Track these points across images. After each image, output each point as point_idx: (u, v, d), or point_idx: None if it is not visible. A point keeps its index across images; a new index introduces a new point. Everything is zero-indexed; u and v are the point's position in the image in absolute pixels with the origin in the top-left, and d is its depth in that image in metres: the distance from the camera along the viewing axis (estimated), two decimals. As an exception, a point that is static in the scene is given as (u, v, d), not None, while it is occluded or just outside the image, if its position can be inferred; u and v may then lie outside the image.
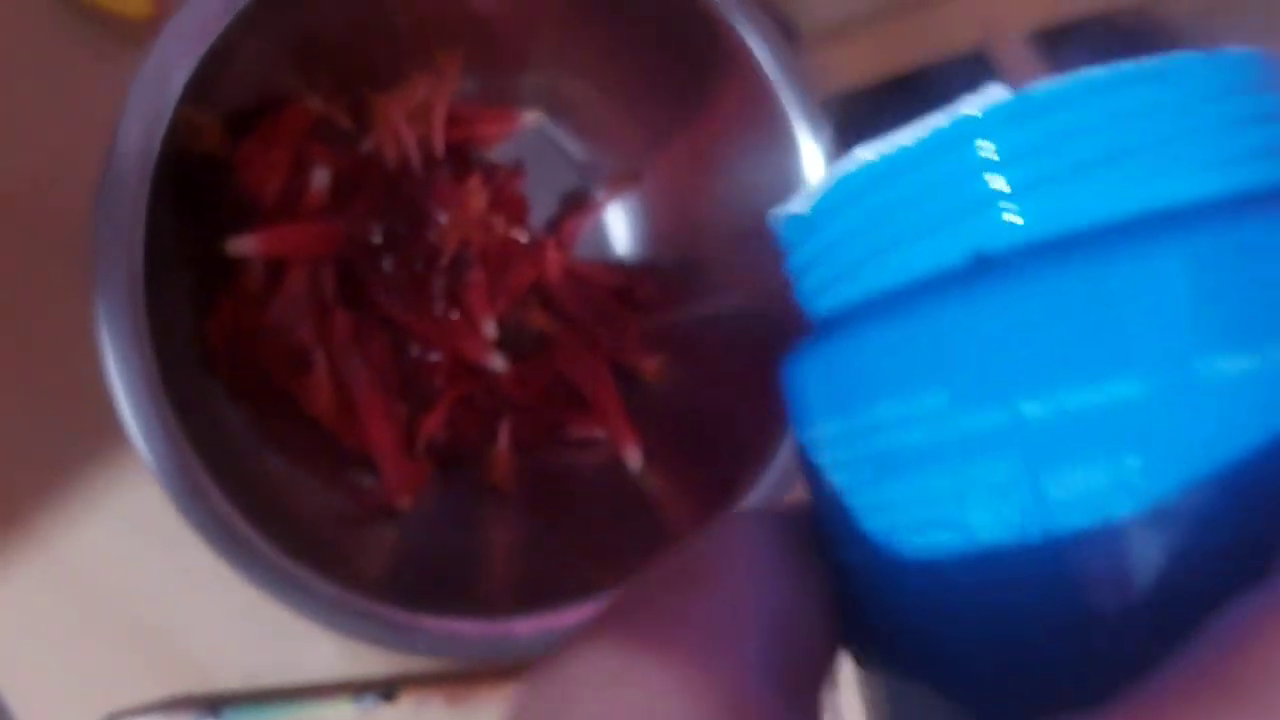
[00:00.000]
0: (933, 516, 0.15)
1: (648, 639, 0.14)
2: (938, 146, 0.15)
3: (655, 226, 0.45)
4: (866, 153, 0.15)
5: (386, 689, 0.41)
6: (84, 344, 0.31)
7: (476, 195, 0.40)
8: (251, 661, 0.41)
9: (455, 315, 0.41)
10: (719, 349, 0.43)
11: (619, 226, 0.45)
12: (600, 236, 0.45)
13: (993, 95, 0.15)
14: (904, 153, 0.15)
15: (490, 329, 0.40)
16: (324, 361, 0.38)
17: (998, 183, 0.14)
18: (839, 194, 0.16)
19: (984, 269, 0.14)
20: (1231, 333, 0.13)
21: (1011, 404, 0.14)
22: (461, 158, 0.42)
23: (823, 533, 0.17)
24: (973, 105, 0.15)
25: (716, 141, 0.41)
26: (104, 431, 0.32)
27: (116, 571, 0.40)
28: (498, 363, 0.41)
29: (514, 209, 0.42)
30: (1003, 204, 0.14)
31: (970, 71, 0.49)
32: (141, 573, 0.40)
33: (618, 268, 0.44)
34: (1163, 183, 0.14)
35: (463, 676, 0.43)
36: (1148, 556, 0.13)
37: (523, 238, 0.42)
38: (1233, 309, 0.13)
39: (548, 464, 0.43)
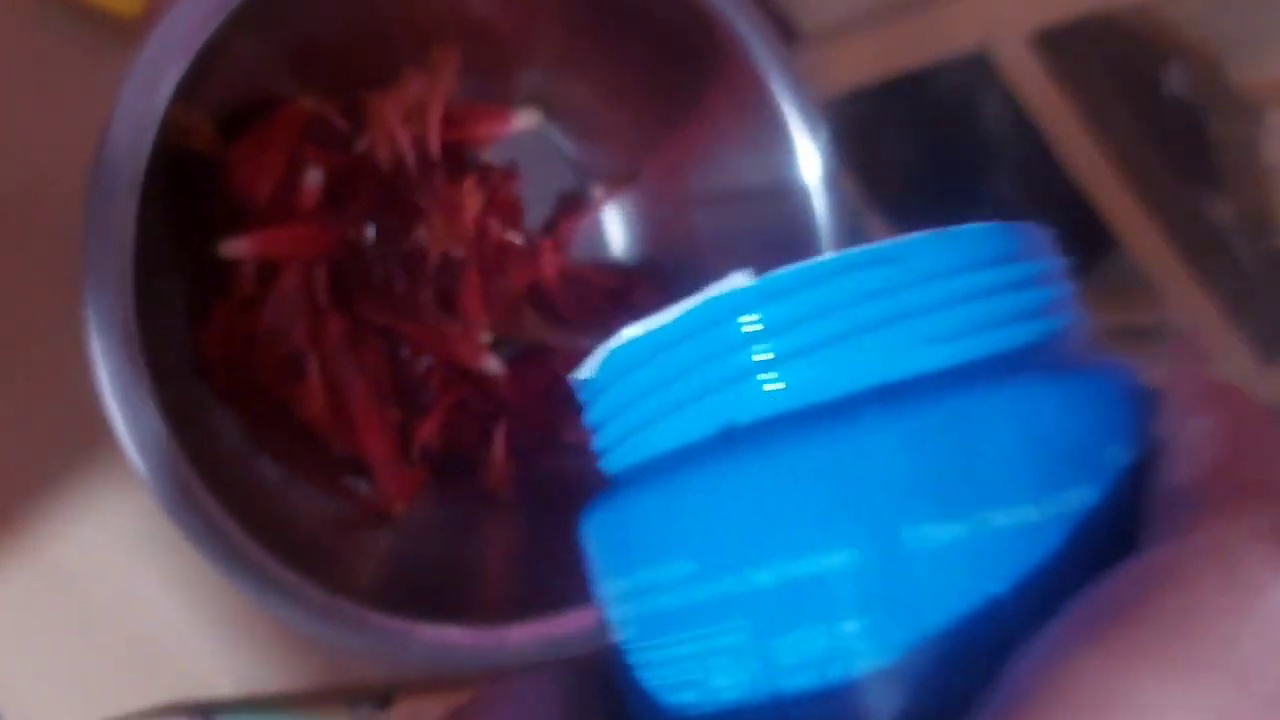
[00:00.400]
0: (682, 678, 0.16)
1: None
2: (689, 324, 0.16)
3: (652, 227, 0.44)
4: (635, 328, 0.17)
5: (381, 697, 0.41)
6: (74, 348, 0.31)
7: (471, 197, 0.40)
8: (245, 668, 0.41)
9: (450, 319, 0.40)
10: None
11: (615, 227, 0.45)
12: (596, 237, 0.45)
13: (738, 280, 0.16)
14: (663, 329, 0.16)
15: (485, 333, 0.40)
16: (317, 366, 0.38)
17: (742, 358, 0.16)
18: (614, 364, 0.17)
19: (727, 443, 0.16)
20: (941, 501, 0.14)
21: (743, 573, 0.15)
22: (456, 158, 0.41)
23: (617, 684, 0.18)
24: (720, 287, 0.16)
25: (713, 142, 0.41)
26: (96, 438, 0.32)
27: (110, 578, 0.40)
28: (493, 366, 0.40)
29: (509, 211, 0.42)
30: (746, 379, 0.16)
31: (970, 73, 0.49)
32: (135, 579, 0.40)
33: (614, 269, 0.44)
34: (885, 360, 0.15)
35: (458, 684, 0.42)
36: (866, 712, 0.14)
37: (518, 240, 0.41)
38: (941, 479, 0.14)
39: (544, 469, 0.43)
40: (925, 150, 0.51)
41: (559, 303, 0.42)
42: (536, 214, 0.44)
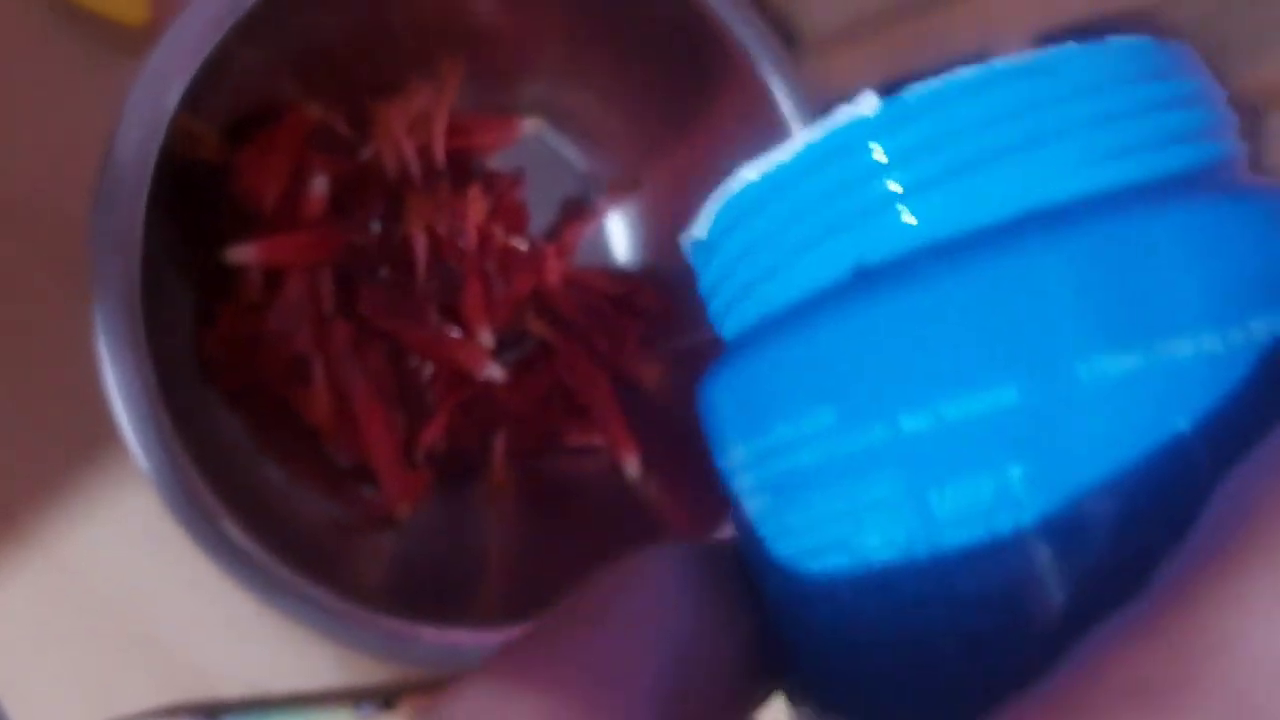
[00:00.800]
0: (828, 540, 0.14)
1: (531, 678, 0.13)
2: (811, 159, 0.15)
3: (656, 234, 0.45)
4: (750, 171, 0.15)
5: (385, 697, 0.41)
6: (82, 351, 0.31)
7: (476, 204, 0.40)
8: (251, 668, 0.41)
9: (453, 324, 0.40)
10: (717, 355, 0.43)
11: (620, 234, 0.45)
12: (601, 243, 0.45)
13: (864, 103, 0.14)
14: (782, 168, 0.15)
15: (487, 338, 0.40)
16: (322, 371, 0.38)
17: (872, 191, 0.14)
18: (729, 214, 0.16)
19: (864, 281, 0.14)
20: (1113, 331, 0.13)
21: (893, 419, 0.13)
22: (462, 166, 0.42)
23: (747, 564, 0.16)
24: (844, 114, 0.14)
25: (717, 150, 0.41)
26: (104, 439, 0.32)
27: (117, 578, 0.40)
28: (495, 372, 0.40)
29: (513, 218, 0.42)
30: (878, 213, 0.14)
31: None
32: (142, 579, 0.40)
33: (618, 275, 0.44)
34: (1040, 182, 0.14)
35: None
36: (1038, 569, 0.13)
37: (522, 246, 0.42)
38: (1113, 307, 0.13)
39: (546, 471, 0.43)
40: None
41: (562, 308, 0.42)
42: (542, 220, 0.45)
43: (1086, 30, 0.48)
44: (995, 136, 0.14)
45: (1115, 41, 0.14)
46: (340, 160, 0.39)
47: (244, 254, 0.37)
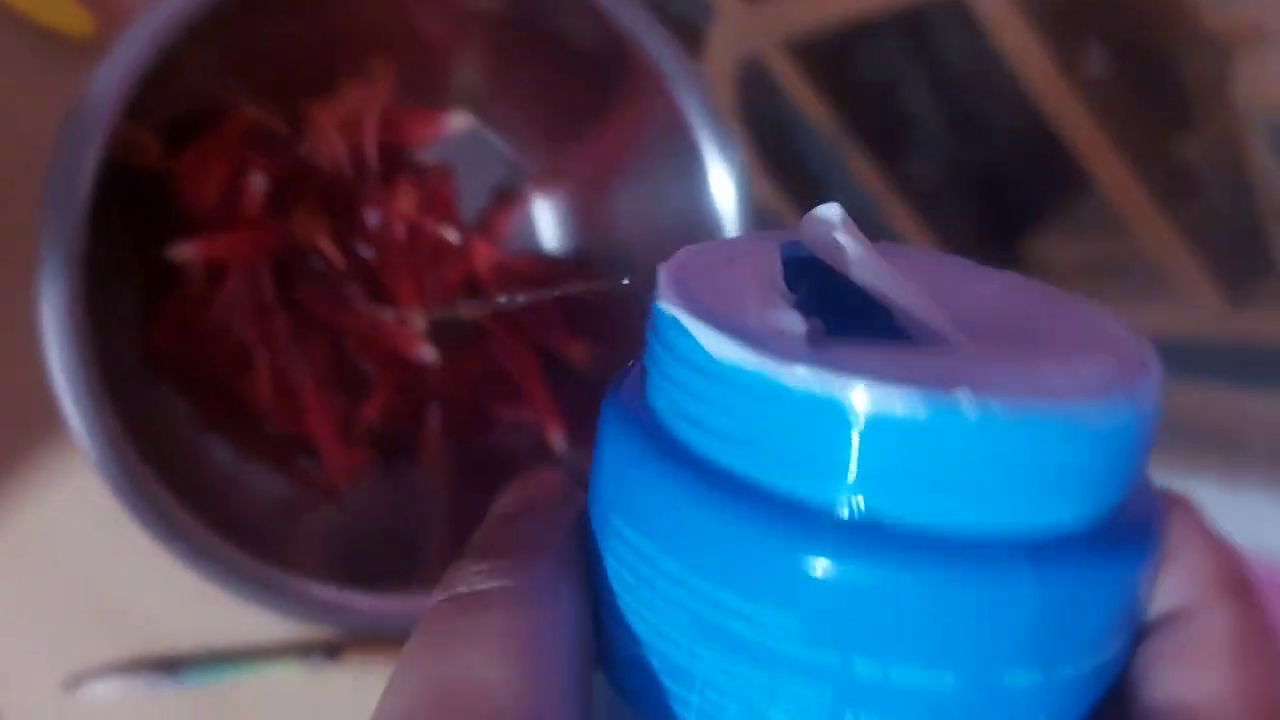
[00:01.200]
0: (737, 693, 0.17)
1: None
2: (826, 404, 0.16)
3: (579, 220, 0.47)
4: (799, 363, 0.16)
5: (330, 649, 0.45)
6: (35, 342, 0.34)
7: (406, 197, 0.43)
8: (203, 625, 0.44)
9: (387, 309, 0.43)
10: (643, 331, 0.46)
11: (546, 221, 0.48)
12: (529, 230, 0.48)
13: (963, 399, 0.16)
14: (804, 390, 0.16)
15: (419, 323, 0.43)
16: (265, 358, 0.41)
17: (898, 460, 0.16)
18: (729, 370, 0.16)
19: (862, 534, 0.16)
20: (1035, 654, 0.16)
21: (848, 656, 0.16)
22: (394, 159, 0.44)
23: (601, 603, 0.18)
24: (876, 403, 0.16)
25: (629, 141, 0.44)
26: (56, 418, 0.35)
27: (73, 545, 0.43)
28: (428, 354, 0.43)
29: (443, 208, 0.45)
30: (895, 476, 0.16)
31: (936, 18, 0.50)
32: (96, 546, 0.43)
33: (544, 259, 0.47)
34: (1021, 514, 0.16)
35: (404, 638, 0.46)
36: None
37: (452, 235, 0.44)
38: (1040, 636, 0.16)
39: (479, 446, 0.46)
40: (896, 88, 0.52)
41: (491, 292, 0.45)
42: (474, 205, 0.47)
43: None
44: (998, 468, 0.16)
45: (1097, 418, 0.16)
46: (278, 159, 0.42)
47: (186, 251, 0.39)
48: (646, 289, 0.18)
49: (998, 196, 0.53)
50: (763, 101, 0.41)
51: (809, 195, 0.50)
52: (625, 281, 0.44)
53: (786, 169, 0.45)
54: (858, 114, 0.50)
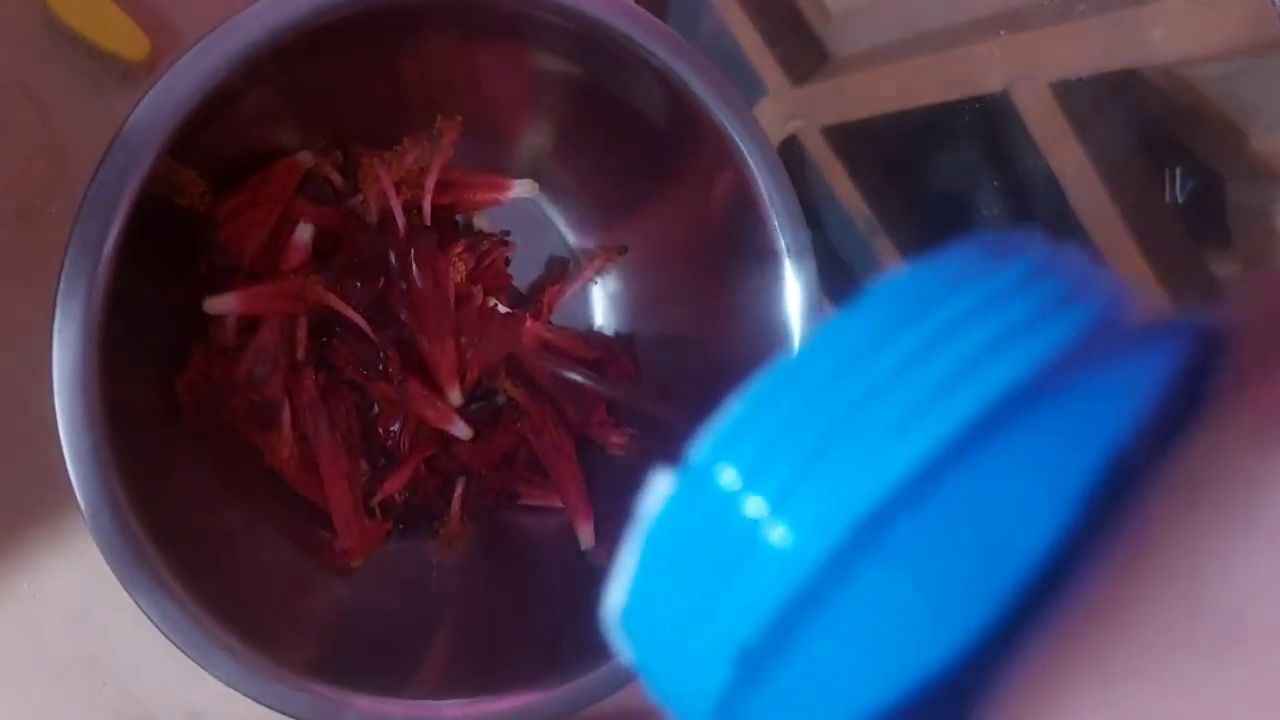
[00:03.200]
0: None
1: None
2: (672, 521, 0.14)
3: (634, 297, 0.45)
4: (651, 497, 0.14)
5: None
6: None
7: (458, 264, 0.40)
8: (196, 702, 0.42)
9: (422, 379, 0.41)
10: (690, 424, 0.43)
11: (600, 296, 0.45)
12: (580, 303, 0.45)
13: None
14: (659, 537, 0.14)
15: (456, 397, 0.41)
16: (289, 417, 0.39)
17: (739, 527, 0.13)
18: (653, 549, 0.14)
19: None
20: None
21: None
22: (449, 223, 0.42)
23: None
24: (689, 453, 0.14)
25: (693, 222, 0.42)
26: (61, 478, 0.32)
27: (70, 608, 0.41)
28: (462, 431, 0.41)
29: (495, 279, 0.42)
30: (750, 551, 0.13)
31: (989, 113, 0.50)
32: (96, 612, 0.41)
33: (594, 339, 0.44)
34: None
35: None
36: None
37: (502, 308, 0.42)
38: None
39: (500, 526, 0.44)
40: (934, 184, 0.51)
41: (534, 370, 0.43)
42: (525, 275, 0.45)
43: (1106, 82, 0.48)
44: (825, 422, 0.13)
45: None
46: (327, 209, 0.39)
47: (223, 304, 0.37)
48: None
49: None
50: (797, 182, 0.39)
51: (836, 277, 0.49)
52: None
53: (817, 252, 0.44)
54: (892, 200, 0.49)
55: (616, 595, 0.15)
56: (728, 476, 0.14)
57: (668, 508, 0.14)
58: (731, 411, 0.14)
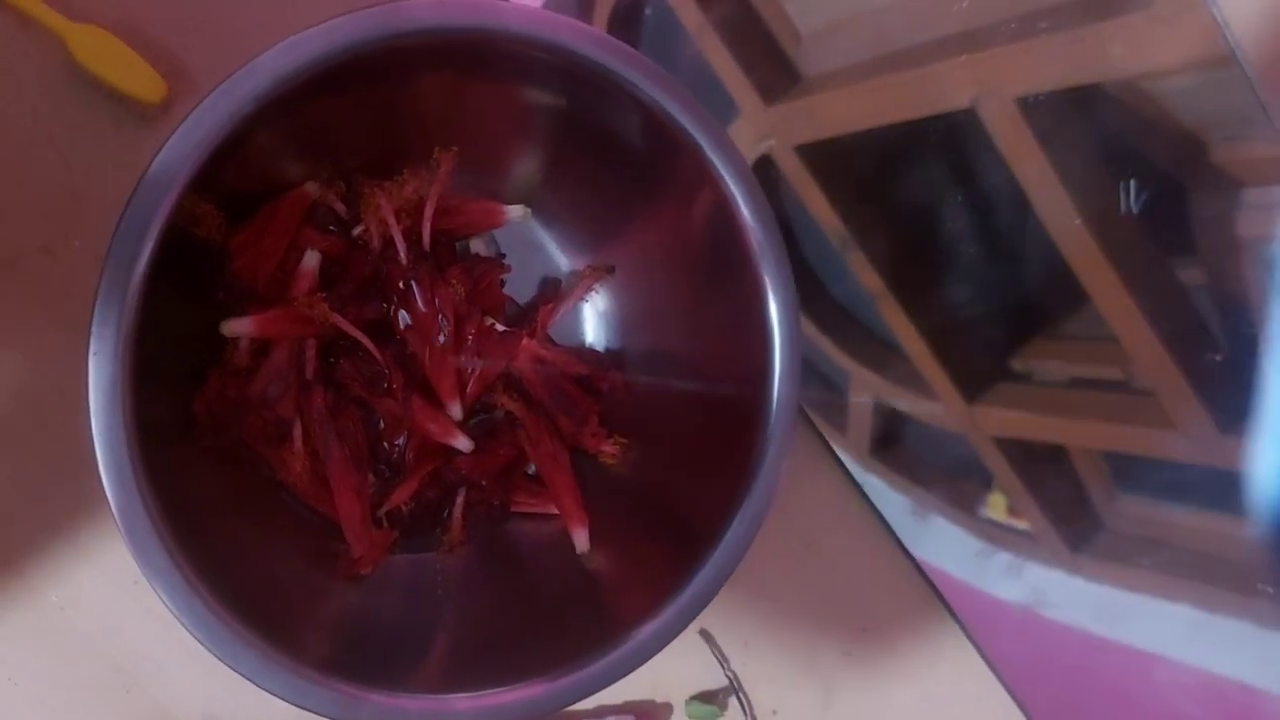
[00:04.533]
0: None
1: None
2: None
3: (622, 314, 0.47)
4: None
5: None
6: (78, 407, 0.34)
7: (456, 286, 0.43)
8: (215, 705, 0.44)
9: (425, 396, 0.43)
10: (677, 434, 0.46)
11: (590, 312, 0.48)
12: (572, 321, 0.48)
13: None
14: None
15: (457, 412, 0.43)
16: (300, 433, 0.41)
17: None
18: None
19: None
20: None
21: None
22: (446, 248, 0.44)
23: None
24: None
25: (675, 241, 0.44)
26: (92, 489, 0.35)
27: (97, 615, 0.43)
28: (464, 444, 0.43)
29: (491, 300, 0.45)
30: None
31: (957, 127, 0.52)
32: (122, 618, 0.43)
33: (585, 355, 0.47)
34: None
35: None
36: None
37: (498, 327, 0.45)
38: None
39: (500, 533, 0.46)
40: (904, 199, 0.53)
41: (530, 385, 0.45)
42: (520, 294, 0.47)
43: (1070, 97, 0.51)
44: None
45: None
46: (333, 237, 0.42)
47: (240, 327, 0.39)
48: None
49: (996, 306, 0.54)
50: (772, 200, 0.42)
51: (811, 291, 0.51)
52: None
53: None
54: (863, 217, 0.52)
55: None
56: None
57: None
58: None
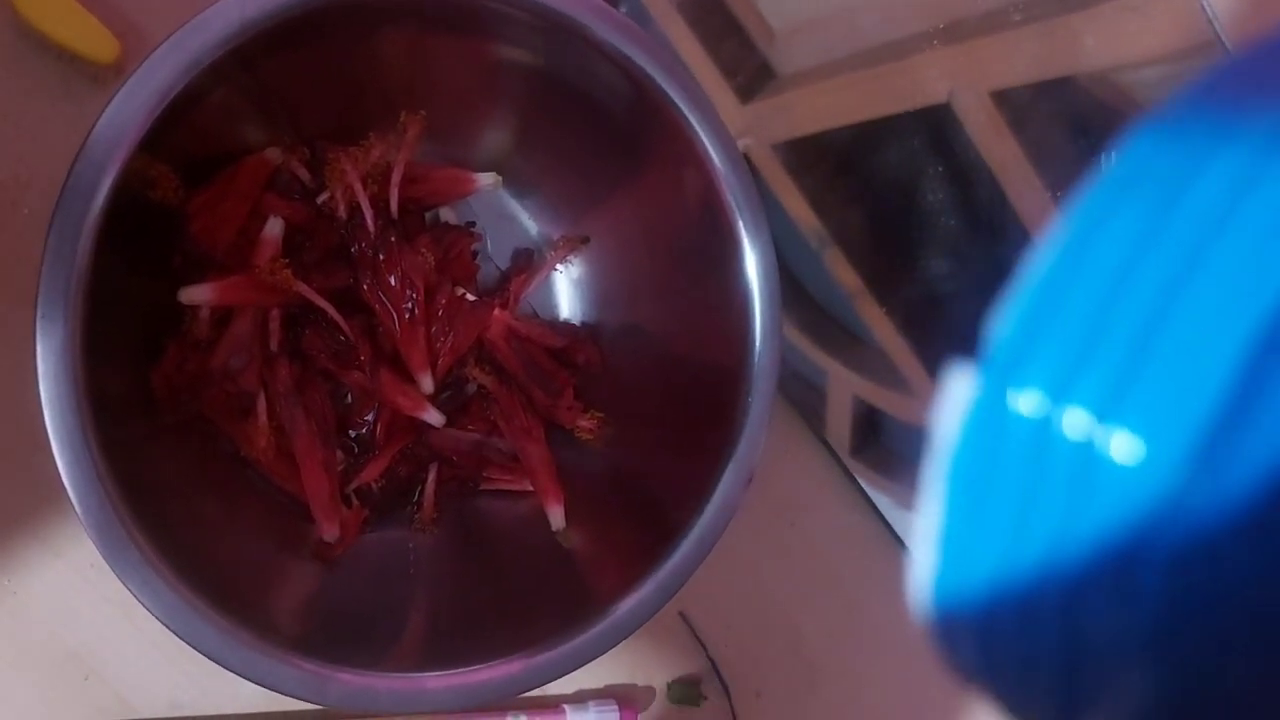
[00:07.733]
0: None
1: None
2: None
3: (598, 286, 0.46)
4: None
5: (305, 724, 0.42)
6: (30, 382, 0.32)
7: (425, 256, 0.41)
8: (177, 694, 0.42)
9: (395, 368, 0.42)
10: (655, 409, 0.45)
11: (565, 286, 0.46)
12: (548, 294, 0.46)
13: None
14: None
15: (428, 385, 0.42)
16: (264, 407, 0.39)
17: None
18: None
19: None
20: None
21: None
22: (416, 216, 0.43)
23: None
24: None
25: (655, 212, 0.43)
26: (47, 470, 0.33)
27: (57, 603, 0.41)
28: (435, 418, 0.42)
29: (462, 270, 0.43)
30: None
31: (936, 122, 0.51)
32: (80, 604, 0.41)
33: (561, 328, 0.46)
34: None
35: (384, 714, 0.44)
36: None
37: (470, 297, 0.43)
38: None
39: (473, 511, 0.44)
40: (880, 195, 0.52)
41: (503, 357, 0.44)
42: (492, 268, 0.46)
43: (1044, 89, 0.50)
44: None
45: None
46: (297, 204, 0.40)
47: (199, 294, 0.38)
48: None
49: (974, 303, 0.53)
50: None
51: (789, 289, 0.50)
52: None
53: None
54: (840, 215, 0.51)
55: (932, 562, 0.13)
56: (1032, 398, 0.12)
57: (971, 444, 0.12)
58: (1015, 318, 0.12)
